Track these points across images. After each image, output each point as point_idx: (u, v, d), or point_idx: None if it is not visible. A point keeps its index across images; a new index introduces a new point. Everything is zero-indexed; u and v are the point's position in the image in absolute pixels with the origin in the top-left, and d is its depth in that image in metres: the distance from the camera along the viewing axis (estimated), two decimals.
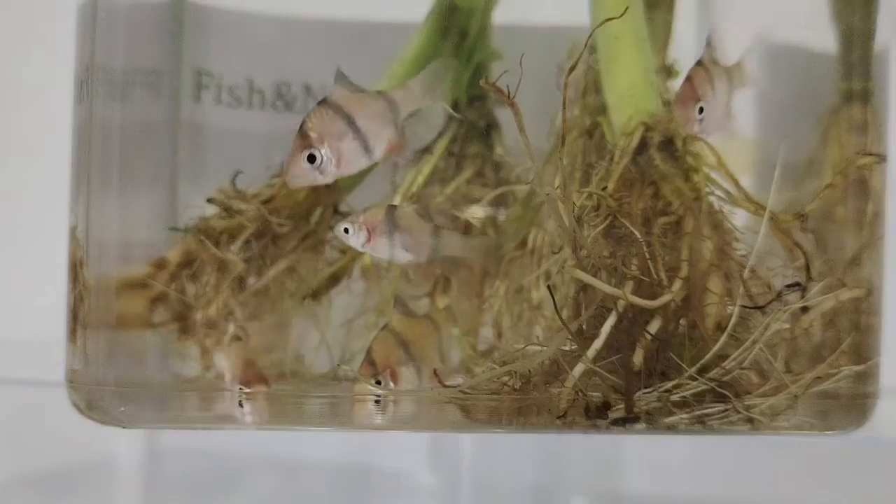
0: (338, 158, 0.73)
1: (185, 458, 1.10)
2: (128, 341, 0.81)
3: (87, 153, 0.82)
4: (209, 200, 0.86)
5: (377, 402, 0.76)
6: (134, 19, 0.84)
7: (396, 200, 0.91)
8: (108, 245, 0.83)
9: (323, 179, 0.73)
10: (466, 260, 0.84)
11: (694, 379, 0.74)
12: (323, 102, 0.74)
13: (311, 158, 0.72)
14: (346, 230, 0.77)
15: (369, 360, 0.76)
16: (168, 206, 0.88)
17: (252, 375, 0.77)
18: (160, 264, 0.85)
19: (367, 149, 0.74)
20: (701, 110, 0.78)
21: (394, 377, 0.75)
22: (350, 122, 0.73)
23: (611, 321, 0.74)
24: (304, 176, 0.73)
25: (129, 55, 0.84)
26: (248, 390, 0.77)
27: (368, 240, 0.77)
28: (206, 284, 0.85)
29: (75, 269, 0.83)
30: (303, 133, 0.72)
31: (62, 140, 0.85)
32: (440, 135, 0.91)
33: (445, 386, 0.75)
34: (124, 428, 0.82)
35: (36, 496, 1.05)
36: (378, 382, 0.75)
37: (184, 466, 1.10)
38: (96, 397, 0.80)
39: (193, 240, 0.86)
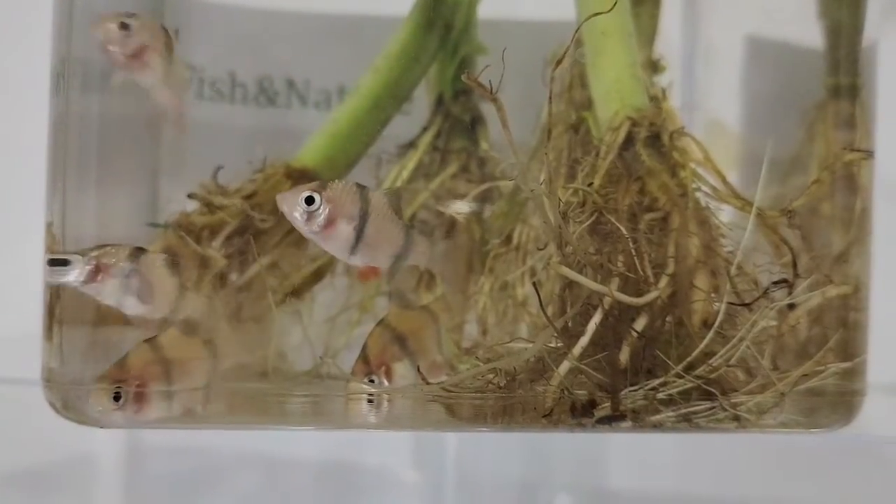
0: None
1: (168, 455, 1.09)
2: (105, 339, 0.80)
3: (64, 147, 0.81)
4: (190, 196, 0.85)
5: (370, 400, 0.75)
6: (111, 11, 0.83)
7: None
8: (85, 241, 0.82)
9: None
10: None
11: (680, 376, 0.74)
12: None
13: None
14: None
15: (364, 358, 0.75)
16: (148, 202, 0.87)
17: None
18: None
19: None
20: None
21: (388, 374, 0.74)
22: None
23: (597, 318, 0.74)
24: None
25: None
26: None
27: None
28: (186, 281, 0.84)
29: None
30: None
31: (38, 134, 0.84)
32: (424, 129, 0.91)
33: (429, 383, 0.74)
34: (101, 428, 0.81)
35: (17, 494, 1.04)
36: (371, 381, 0.74)
37: (166, 464, 1.10)
38: (72, 396, 0.79)
39: (174, 236, 0.85)
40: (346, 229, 0.73)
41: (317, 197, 0.72)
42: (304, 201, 0.72)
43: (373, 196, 0.74)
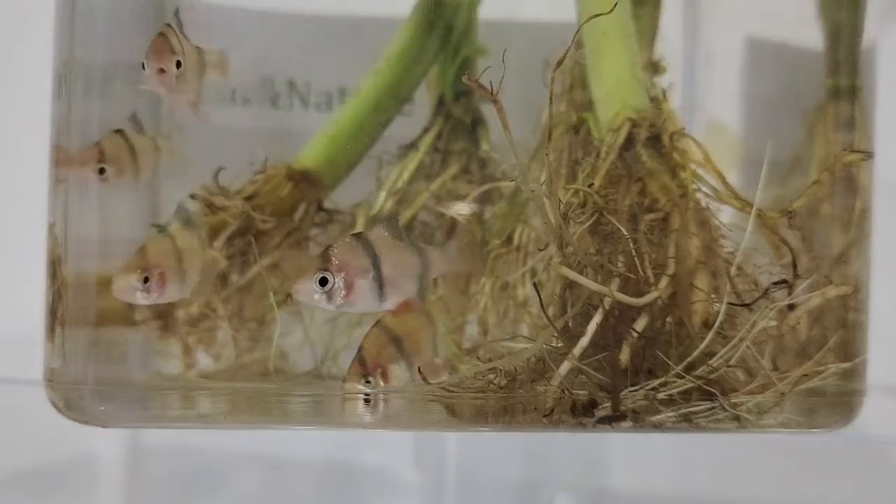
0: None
1: (168, 455, 1.10)
2: (107, 339, 0.80)
3: (66, 149, 0.81)
4: (192, 197, 0.86)
5: (367, 401, 0.75)
6: (114, 13, 0.84)
7: (381, 197, 0.90)
8: (87, 242, 0.82)
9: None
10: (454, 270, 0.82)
11: (681, 377, 0.74)
12: None
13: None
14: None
15: (360, 360, 0.75)
16: (149, 203, 0.87)
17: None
18: None
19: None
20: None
21: (384, 376, 0.74)
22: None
23: (597, 319, 0.74)
24: None
25: (109, 49, 0.83)
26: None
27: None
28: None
29: (53, 266, 0.82)
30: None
31: (41, 135, 0.84)
32: (425, 130, 0.91)
33: (429, 383, 0.74)
34: (104, 427, 0.81)
35: (19, 494, 1.05)
36: (368, 382, 0.74)
37: (167, 464, 1.10)
38: (75, 396, 0.80)
39: None
40: (366, 285, 0.72)
41: (328, 276, 0.71)
42: (318, 284, 0.71)
43: (372, 236, 0.73)
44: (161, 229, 0.81)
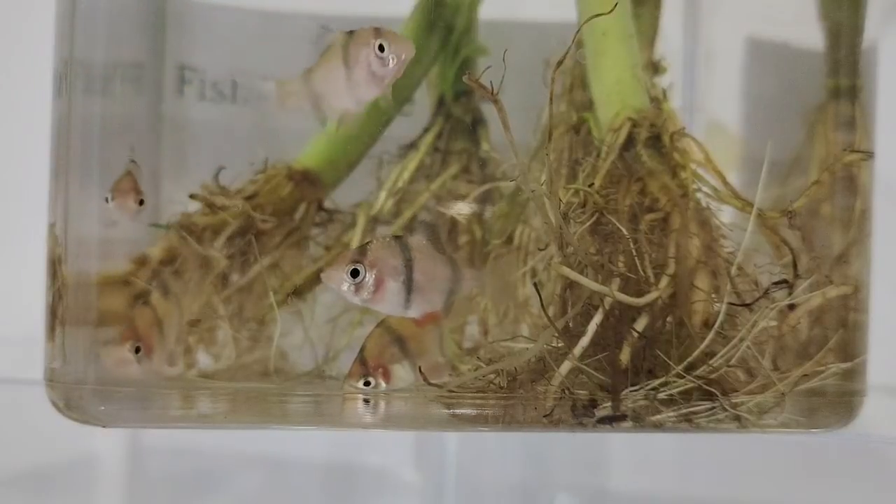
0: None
1: (168, 456, 1.09)
2: (108, 339, 0.80)
3: (66, 148, 0.82)
4: (192, 196, 0.86)
5: (367, 401, 0.75)
6: (114, 12, 0.84)
7: (381, 197, 0.90)
8: (87, 242, 0.82)
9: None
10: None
11: (681, 377, 0.74)
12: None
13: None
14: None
15: (361, 360, 0.75)
16: (150, 202, 0.87)
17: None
18: (142, 261, 0.85)
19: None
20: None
21: (385, 376, 0.74)
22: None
23: (597, 319, 0.74)
24: None
25: (109, 49, 0.83)
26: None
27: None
28: (188, 281, 0.84)
29: (54, 266, 0.82)
30: None
31: (41, 135, 0.84)
32: (426, 130, 0.91)
33: (431, 384, 0.74)
34: (104, 427, 0.81)
35: (19, 495, 1.05)
36: (368, 383, 0.74)
37: (166, 464, 1.10)
38: (75, 396, 0.80)
39: (176, 236, 0.85)
40: (395, 286, 0.72)
41: (360, 268, 0.71)
42: (349, 275, 0.71)
43: (411, 241, 0.73)
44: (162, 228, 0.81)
